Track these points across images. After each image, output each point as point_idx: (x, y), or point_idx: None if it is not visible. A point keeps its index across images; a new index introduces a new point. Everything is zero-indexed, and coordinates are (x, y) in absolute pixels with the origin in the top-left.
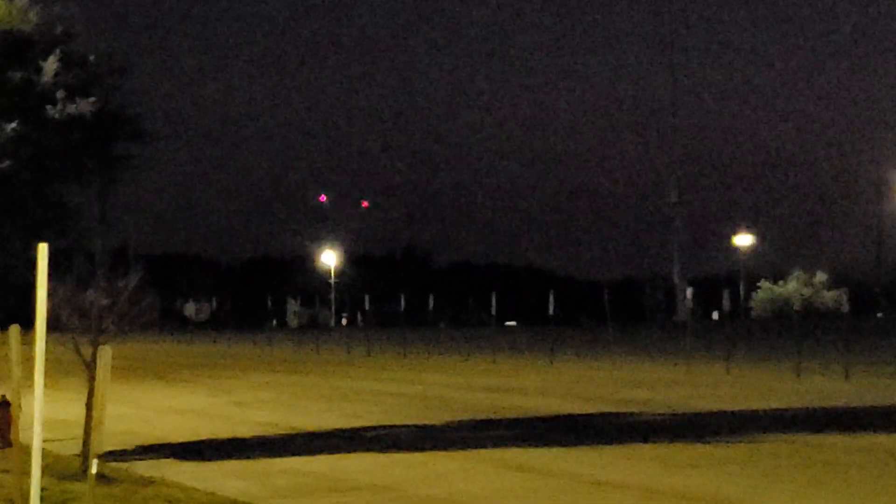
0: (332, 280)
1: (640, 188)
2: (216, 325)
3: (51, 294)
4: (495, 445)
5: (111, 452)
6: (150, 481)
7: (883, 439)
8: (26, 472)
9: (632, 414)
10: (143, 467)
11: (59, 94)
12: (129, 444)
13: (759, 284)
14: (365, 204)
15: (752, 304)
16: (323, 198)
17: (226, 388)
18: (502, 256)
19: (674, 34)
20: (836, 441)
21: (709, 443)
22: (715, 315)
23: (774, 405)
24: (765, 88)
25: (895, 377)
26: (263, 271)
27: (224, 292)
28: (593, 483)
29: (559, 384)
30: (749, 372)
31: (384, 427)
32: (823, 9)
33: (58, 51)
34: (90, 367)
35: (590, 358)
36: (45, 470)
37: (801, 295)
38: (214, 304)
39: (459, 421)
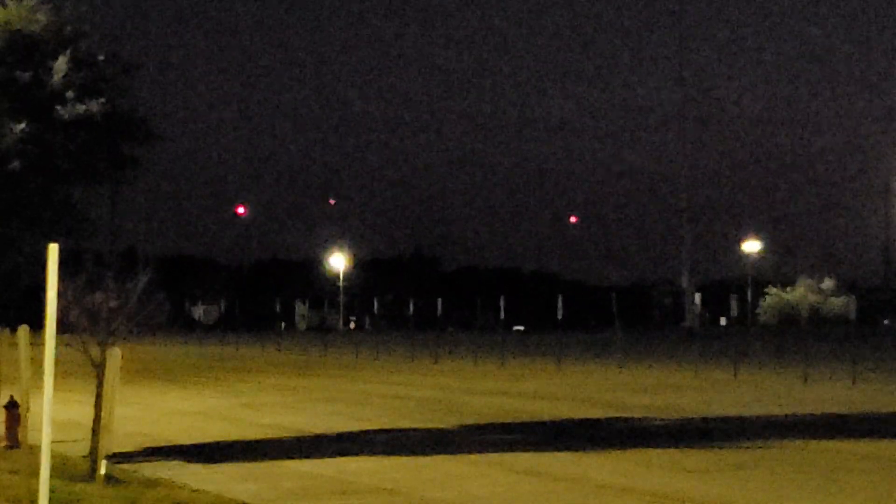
0: (341, 283)
1: (649, 194)
2: (225, 327)
3: (60, 295)
4: (503, 449)
5: (119, 454)
6: (157, 483)
7: (890, 445)
8: (34, 473)
9: (639, 419)
10: (151, 469)
11: (69, 95)
12: (138, 445)
13: (766, 290)
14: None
15: (760, 310)
16: (332, 202)
17: (234, 390)
18: (511, 260)
19: (683, 39)
20: (843, 447)
21: (716, 448)
22: (723, 321)
23: (782, 411)
24: (773, 95)
25: None
26: (272, 274)
27: (233, 295)
28: (601, 487)
29: (567, 388)
30: (756, 378)
31: (392, 430)
32: (830, 15)
33: (67, 51)
34: (99, 368)
35: (598, 362)
36: (54, 471)
37: (809, 301)
38: (223, 306)
39: (467, 424)
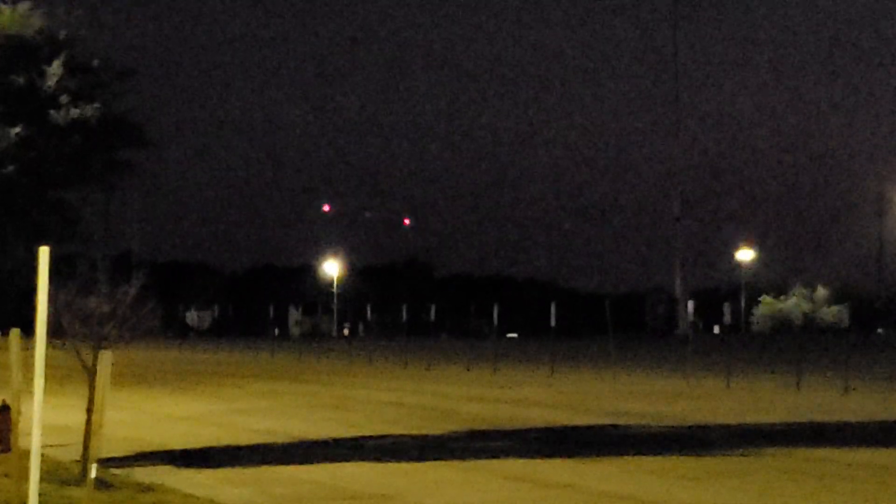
0: (335, 290)
1: (643, 202)
2: (218, 332)
3: (52, 299)
4: (495, 456)
5: (111, 458)
6: (149, 488)
7: (881, 454)
8: (25, 477)
9: (632, 426)
10: (143, 473)
11: (63, 99)
12: (129, 450)
13: (760, 299)
14: (368, 214)
15: (753, 318)
16: (327, 207)
17: (226, 395)
18: (504, 268)
19: (678, 48)
20: (835, 455)
21: (708, 456)
22: (716, 329)
23: (774, 419)
24: (767, 104)
25: (894, 392)
26: (266, 280)
27: (226, 300)
28: (594, 494)
29: (560, 396)
30: (749, 386)
31: (384, 436)
32: (825, 27)
33: (62, 56)
34: (90, 372)
35: (591, 370)
36: (44, 475)
37: (802, 310)
38: (216, 311)
39: (460, 431)
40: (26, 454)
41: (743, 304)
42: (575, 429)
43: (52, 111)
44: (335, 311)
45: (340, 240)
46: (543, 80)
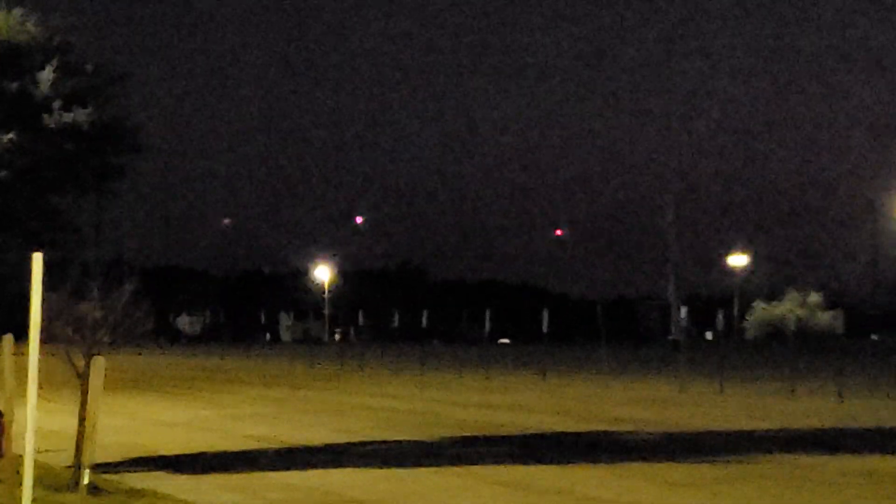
0: (326, 295)
1: (636, 207)
2: (210, 338)
3: (44, 305)
4: (488, 462)
5: (103, 464)
6: (141, 493)
7: (876, 461)
8: (18, 483)
9: (625, 432)
10: (135, 479)
11: (56, 104)
12: (122, 455)
13: (753, 305)
14: (359, 219)
15: (746, 324)
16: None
17: (218, 401)
18: (497, 273)
19: (673, 56)
20: (828, 462)
21: (702, 462)
22: (709, 335)
23: (767, 425)
24: (761, 109)
25: (888, 399)
26: (258, 285)
27: (218, 306)
28: (586, 500)
29: (552, 401)
30: (742, 392)
31: (376, 442)
32: (822, 36)
33: (55, 61)
34: (83, 378)
35: (583, 376)
36: (37, 481)
37: (796, 316)
38: (208, 317)
39: (452, 437)
40: (20, 459)
41: (736, 309)
42: (568, 435)
43: (45, 116)
44: (327, 316)
45: (332, 244)
46: (537, 87)
